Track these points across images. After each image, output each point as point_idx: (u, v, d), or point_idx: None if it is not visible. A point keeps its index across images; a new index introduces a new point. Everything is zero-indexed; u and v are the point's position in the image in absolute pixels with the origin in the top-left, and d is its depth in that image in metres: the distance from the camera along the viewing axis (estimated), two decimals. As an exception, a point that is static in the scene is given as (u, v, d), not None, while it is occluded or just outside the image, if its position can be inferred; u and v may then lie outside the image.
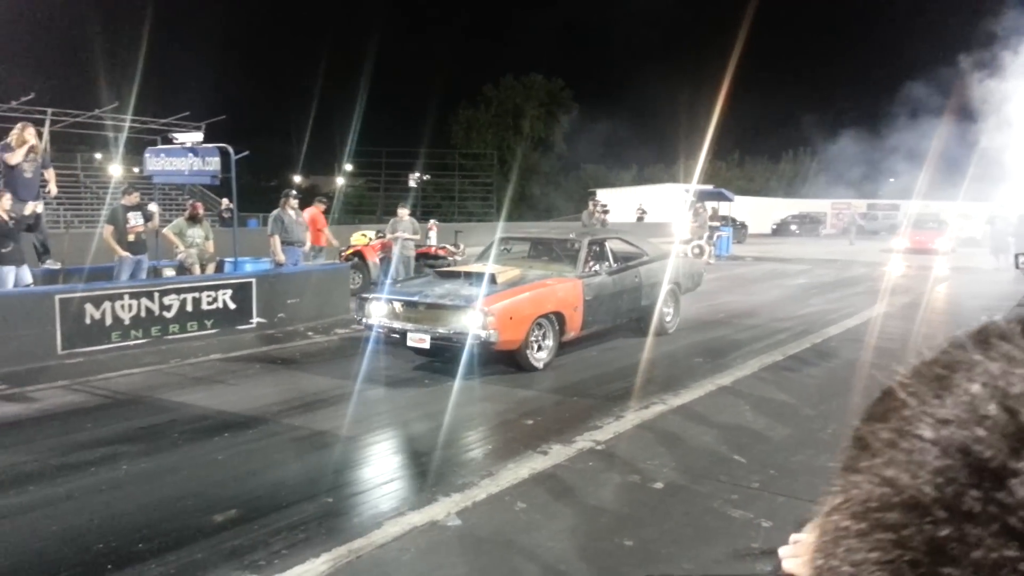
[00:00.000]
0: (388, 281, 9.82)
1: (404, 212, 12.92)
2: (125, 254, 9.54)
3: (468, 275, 7.99)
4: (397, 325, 7.56)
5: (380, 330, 7.66)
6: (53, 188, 9.64)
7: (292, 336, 9.38)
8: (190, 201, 10.84)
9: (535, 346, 7.53)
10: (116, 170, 23.44)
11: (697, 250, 20.87)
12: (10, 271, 8.28)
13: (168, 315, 8.47)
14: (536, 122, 54.90)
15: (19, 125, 8.90)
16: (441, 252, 14.15)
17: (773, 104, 50.79)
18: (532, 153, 55.08)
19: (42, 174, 9.16)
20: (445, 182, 50.28)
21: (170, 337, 8.45)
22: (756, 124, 50.72)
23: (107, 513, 4.19)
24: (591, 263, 8.58)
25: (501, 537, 3.97)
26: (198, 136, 10.61)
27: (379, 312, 7.72)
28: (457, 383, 6.93)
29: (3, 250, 8.26)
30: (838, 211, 45.52)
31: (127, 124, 21.73)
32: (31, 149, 8.76)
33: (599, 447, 5.36)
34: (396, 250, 12.51)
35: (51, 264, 9.26)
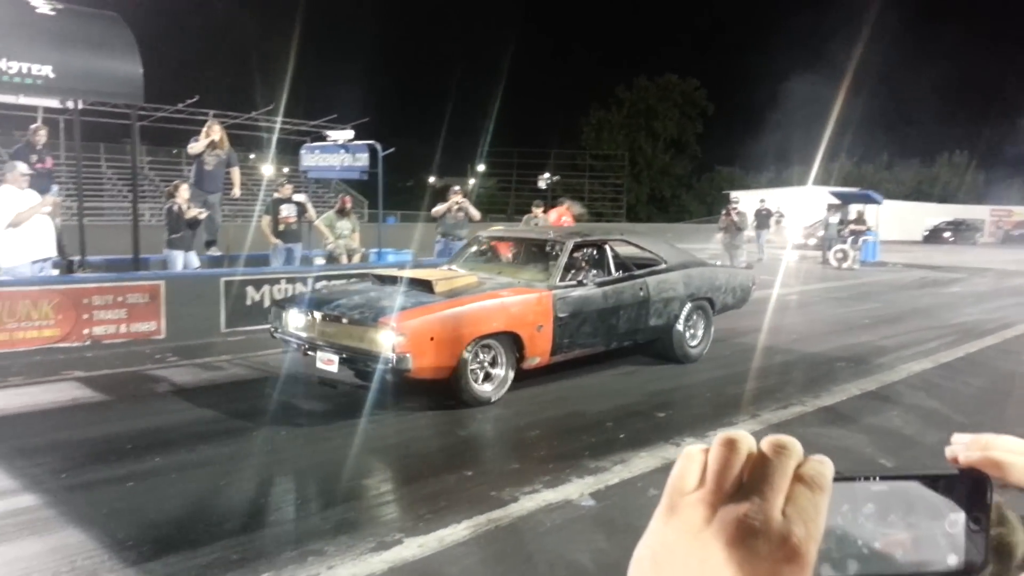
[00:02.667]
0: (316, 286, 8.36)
1: (539, 210, 13.13)
2: (277, 242, 10.25)
3: (408, 281, 6.45)
4: (308, 340, 6.11)
5: (296, 344, 6.21)
6: (237, 190, 10.39)
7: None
8: (340, 195, 11.48)
9: (478, 375, 6.02)
10: (268, 169, 25.02)
11: (840, 255, 19.97)
12: (179, 255, 9.09)
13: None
14: (669, 123, 54.12)
15: (211, 119, 9.78)
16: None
17: (926, 106, 47.80)
18: (664, 154, 54.34)
19: (226, 172, 9.98)
20: (574, 182, 50.46)
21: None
22: (906, 126, 47.86)
23: (274, 471, 4.58)
24: (576, 271, 6.90)
25: (634, 519, 4.03)
26: (349, 134, 11.24)
27: (296, 323, 6.25)
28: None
29: (173, 236, 9.07)
30: (997, 218, 42.27)
31: (279, 125, 23.18)
32: (212, 144, 9.56)
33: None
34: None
35: (214, 251, 10.08)
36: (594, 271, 7.09)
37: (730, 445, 0.44)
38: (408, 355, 5.47)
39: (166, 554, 3.55)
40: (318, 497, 4.23)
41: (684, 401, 6.54)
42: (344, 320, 5.87)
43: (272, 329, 6.50)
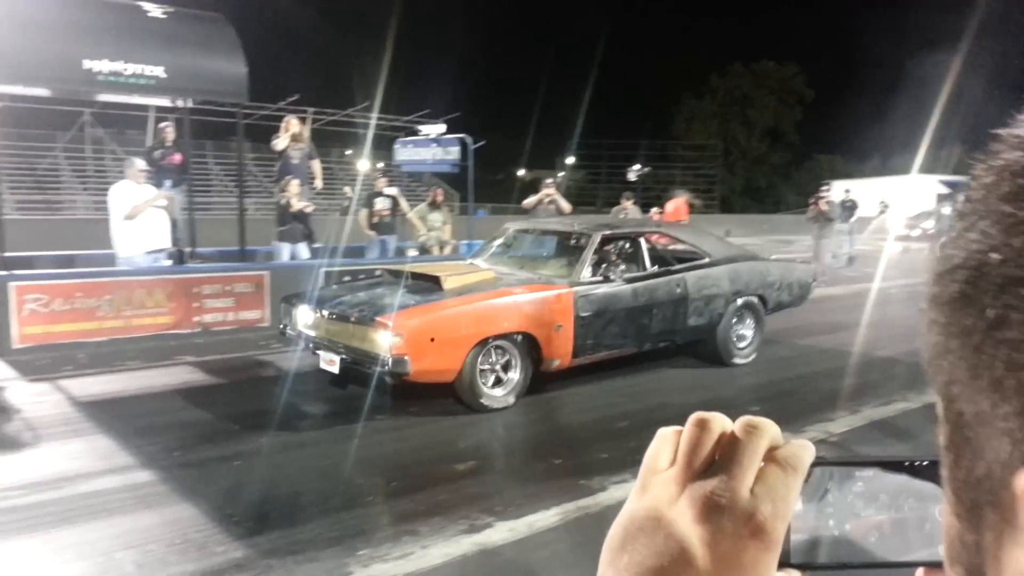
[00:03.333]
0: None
1: (629, 202, 13.00)
2: (372, 234, 10.53)
3: (417, 277, 6.12)
4: (315, 339, 5.91)
5: (304, 342, 6.05)
6: (319, 181, 10.76)
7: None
8: (432, 189, 11.69)
9: (489, 378, 5.63)
10: (364, 164, 25.69)
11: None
12: (286, 247, 9.47)
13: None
14: (765, 111, 52.58)
15: (286, 117, 10.17)
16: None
17: (1048, 84, 44.68)
18: (760, 144, 52.86)
19: (309, 165, 10.34)
20: (665, 174, 49.68)
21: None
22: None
23: (371, 453, 4.75)
24: (605, 266, 6.43)
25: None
26: (441, 128, 11.43)
27: (304, 320, 6.04)
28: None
29: (281, 228, 9.45)
30: None
31: (374, 121, 23.79)
32: (293, 137, 9.90)
33: (833, 438, 5.16)
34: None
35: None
36: (625, 266, 6.63)
37: (702, 425, 0.45)
38: (406, 357, 5.10)
39: (269, 529, 3.73)
40: (412, 479, 4.35)
41: (783, 396, 6.38)
42: (344, 318, 5.61)
43: (282, 327, 6.34)
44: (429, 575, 3.28)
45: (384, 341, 5.18)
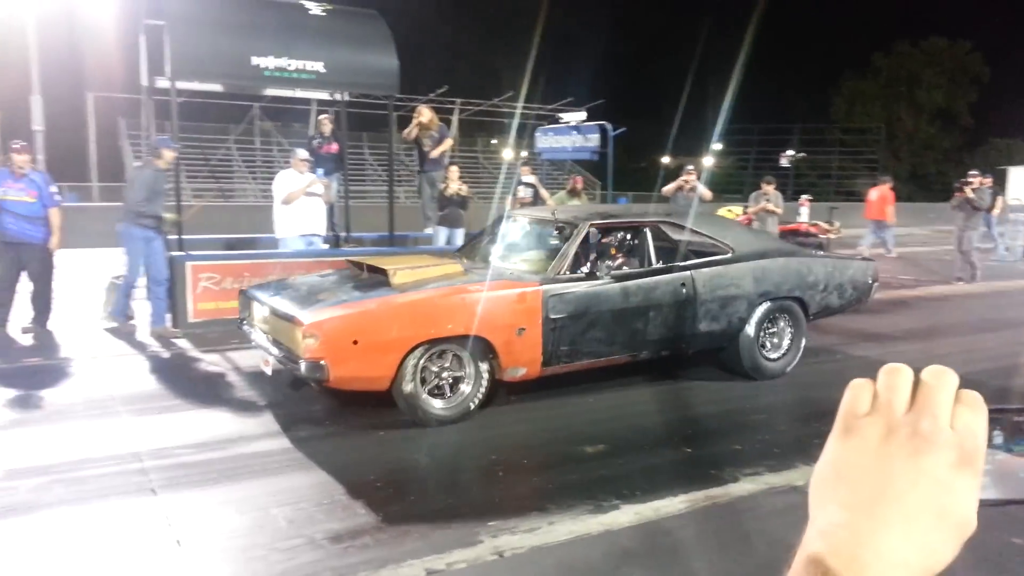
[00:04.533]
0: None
1: (770, 186, 12.50)
2: None
3: (372, 269, 5.51)
4: (259, 335, 5.42)
5: (253, 338, 5.59)
6: (436, 151, 11.01)
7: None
8: (572, 176, 11.77)
9: (433, 387, 4.94)
10: (508, 153, 26.13)
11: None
12: (443, 231, 9.84)
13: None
14: (935, 92, 48.76)
15: (418, 107, 10.57)
16: (812, 229, 13.45)
17: None
18: (929, 127, 49.13)
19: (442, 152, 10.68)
20: (821, 159, 47.16)
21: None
22: None
23: (503, 432, 4.93)
24: (594, 261, 5.65)
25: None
26: (582, 115, 11.48)
27: (257, 313, 5.51)
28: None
29: (440, 213, 9.84)
30: None
31: (519, 111, 24.13)
32: (422, 126, 10.24)
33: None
34: (755, 226, 12.19)
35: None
36: (622, 261, 5.93)
37: (896, 373, 0.51)
38: (322, 362, 4.55)
39: (407, 496, 3.98)
40: (542, 459, 4.47)
41: (797, 422, 5.98)
42: (275, 314, 5.10)
43: (240, 319, 5.90)
44: (554, 550, 3.38)
45: (300, 342, 4.64)
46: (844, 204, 24.42)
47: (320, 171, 9.44)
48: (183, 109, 9.38)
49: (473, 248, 6.51)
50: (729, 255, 6.06)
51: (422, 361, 4.83)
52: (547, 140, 11.82)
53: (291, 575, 3.13)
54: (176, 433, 4.75)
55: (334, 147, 10.01)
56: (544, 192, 10.94)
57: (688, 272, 5.80)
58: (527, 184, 10.78)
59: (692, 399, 5.76)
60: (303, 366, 4.60)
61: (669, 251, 6.05)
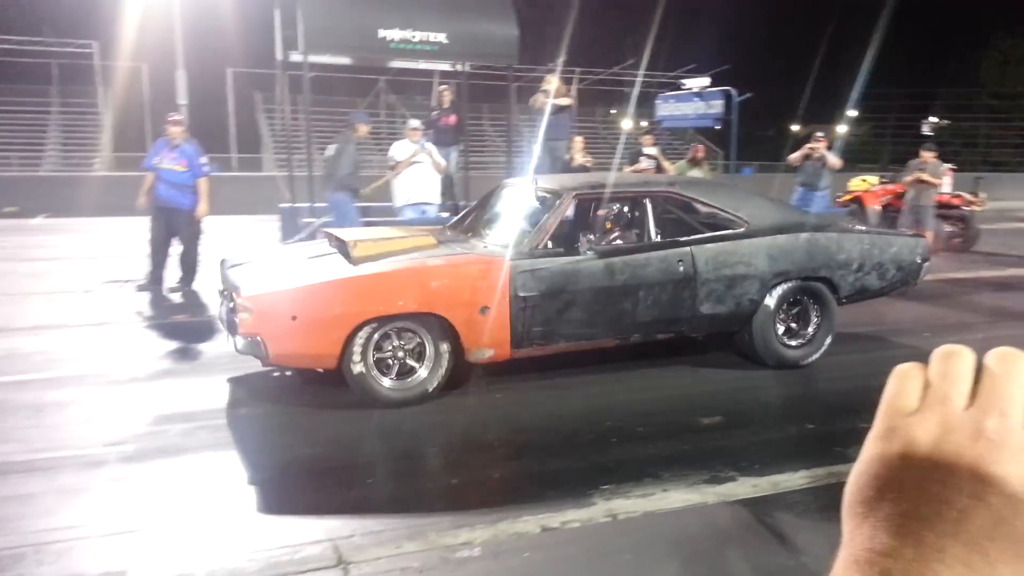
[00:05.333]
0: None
1: (930, 154, 11.65)
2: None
3: (337, 241, 5.19)
4: (220, 308, 5.12)
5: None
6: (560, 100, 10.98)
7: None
8: (693, 144, 11.51)
9: (393, 367, 4.65)
10: (627, 123, 25.74)
11: None
12: None
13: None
14: (1105, 50, 44.21)
15: (546, 76, 10.54)
16: (955, 201, 12.57)
17: None
18: (1095, 90, 44.66)
19: (567, 121, 10.64)
20: (967, 127, 43.86)
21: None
22: None
23: (620, 399, 4.95)
24: (580, 235, 5.22)
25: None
26: (704, 81, 11.17)
27: (219, 287, 5.32)
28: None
29: None
30: None
31: (639, 79, 23.66)
32: (547, 94, 10.21)
33: None
34: (908, 196, 11.45)
35: None
36: (614, 235, 5.44)
37: (954, 358, 0.41)
38: (258, 337, 4.36)
39: (524, 457, 4.09)
40: (658, 428, 4.46)
41: (815, 417, 5.54)
42: (226, 287, 4.91)
43: (220, 290, 5.36)
44: (668, 516, 3.39)
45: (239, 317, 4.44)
46: (991, 175, 22.63)
47: (424, 143, 9.54)
48: (313, 83, 9.77)
49: (464, 221, 6.06)
50: (742, 230, 5.46)
51: (375, 339, 4.55)
52: (668, 107, 11.60)
53: (413, 520, 3.29)
54: (311, 385, 5.04)
55: (452, 119, 10.17)
56: (666, 163, 10.74)
57: (687, 248, 5.25)
58: (648, 156, 10.61)
59: (817, 375, 5.57)
60: (237, 342, 4.46)
61: (672, 225, 5.56)
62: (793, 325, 5.64)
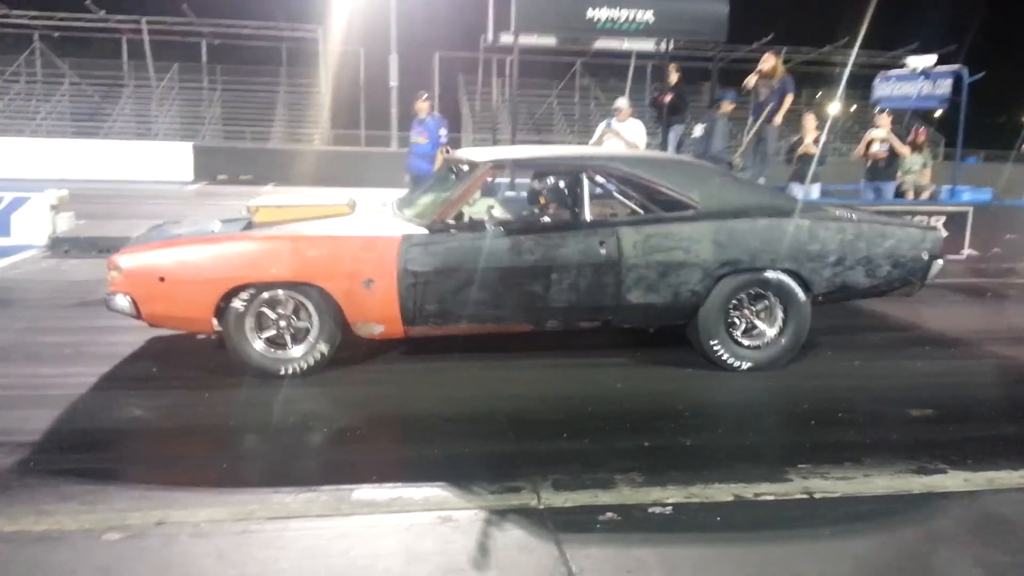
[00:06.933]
0: None
1: None
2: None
3: (250, 210, 5.09)
4: None
5: None
6: (778, 117, 10.59)
7: (1004, 272, 8.74)
8: (914, 128, 10.70)
9: (282, 336, 4.61)
10: (835, 107, 24.23)
11: None
12: (797, 186, 9.38)
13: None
14: None
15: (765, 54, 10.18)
16: None
17: None
18: None
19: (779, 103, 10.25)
20: None
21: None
22: None
23: (826, 385, 4.84)
24: (492, 210, 4.87)
25: None
26: (931, 59, 10.29)
27: None
28: None
29: (795, 168, 9.47)
30: None
31: (852, 59, 22.17)
32: (762, 74, 9.84)
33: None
34: None
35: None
36: (548, 211, 5.12)
37: None
38: (128, 296, 4.44)
39: (717, 428, 4.12)
40: (862, 414, 4.31)
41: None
42: None
43: None
44: (868, 501, 3.30)
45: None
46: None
47: (611, 121, 9.47)
48: (519, 67, 10.07)
49: (405, 196, 5.85)
50: (689, 213, 4.87)
51: (255, 306, 4.52)
52: (887, 88, 10.81)
53: (606, 475, 3.44)
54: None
55: (665, 98, 10.19)
56: (901, 146, 9.94)
57: (611, 229, 4.75)
58: (880, 139, 9.92)
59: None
60: (109, 300, 4.53)
61: (610, 204, 5.20)
62: (758, 323, 5.03)
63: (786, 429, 4.14)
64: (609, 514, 3.12)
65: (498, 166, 4.96)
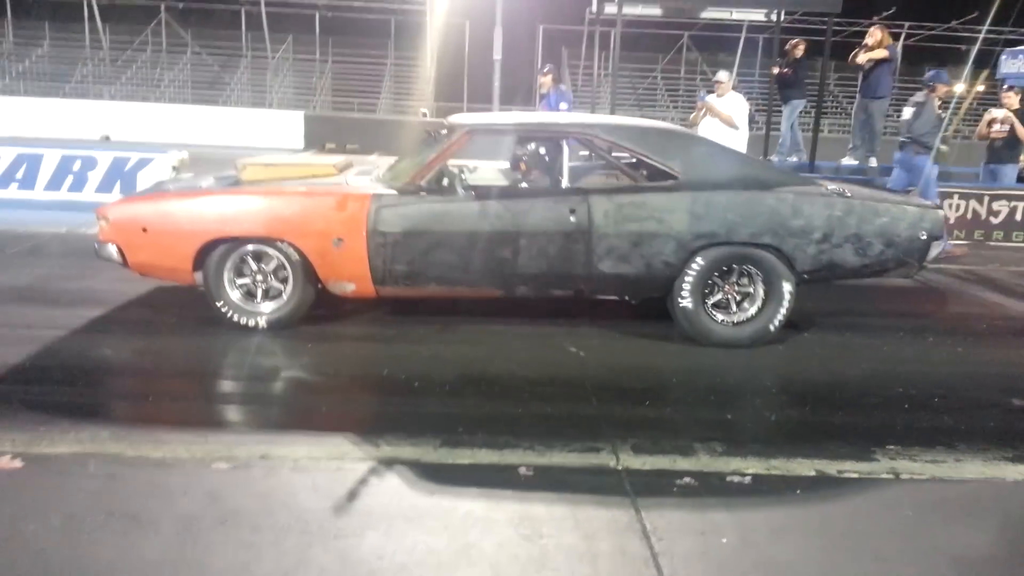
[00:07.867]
0: None
1: None
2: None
3: (238, 168, 5.23)
4: None
5: None
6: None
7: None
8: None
9: (255, 289, 4.80)
10: (959, 86, 22.81)
11: None
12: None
13: (994, 221, 8.36)
14: None
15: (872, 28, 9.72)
16: None
17: None
18: None
19: (892, 75, 9.81)
20: None
21: (991, 243, 8.39)
22: None
23: (923, 369, 4.70)
24: (465, 175, 4.69)
25: None
26: (1067, 34, 9.57)
27: None
28: None
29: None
30: None
31: (981, 35, 20.78)
32: (867, 47, 9.39)
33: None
34: None
35: (872, 162, 9.86)
36: (530, 177, 5.09)
37: None
38: (112, 244, 4.76)
39: (804, 405, 4.08)
40: (960, 400, 4.18)
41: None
42: None
43: None
44: (957, 485, 3.23)
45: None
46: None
47: (703, 95, 9.20)
48: (620, 39, 9.99)
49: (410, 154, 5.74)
50: (668, 183, 4.76)
51: (233, 260, 4.73)
52: (1015, 64, 10.17)
53: (685, 442, 3.48)
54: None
55: (785, 71, 9.98)
56: (1021, 127, 9.32)
57: (583, 197, 4.67)
58: (1000, 119, 9.29)
59: None
60: (98, 248, 4.85)
61: (589, 172, 5.23)
62: (740, 299, 4.89)
63: (877, 410, 4.05)
64: (687, 479, 3.17)
65: (475, 131, 4.94)
